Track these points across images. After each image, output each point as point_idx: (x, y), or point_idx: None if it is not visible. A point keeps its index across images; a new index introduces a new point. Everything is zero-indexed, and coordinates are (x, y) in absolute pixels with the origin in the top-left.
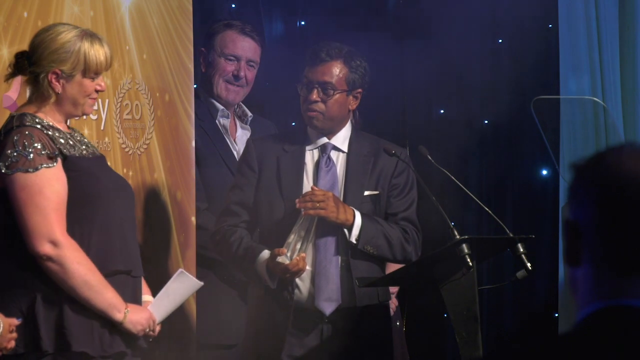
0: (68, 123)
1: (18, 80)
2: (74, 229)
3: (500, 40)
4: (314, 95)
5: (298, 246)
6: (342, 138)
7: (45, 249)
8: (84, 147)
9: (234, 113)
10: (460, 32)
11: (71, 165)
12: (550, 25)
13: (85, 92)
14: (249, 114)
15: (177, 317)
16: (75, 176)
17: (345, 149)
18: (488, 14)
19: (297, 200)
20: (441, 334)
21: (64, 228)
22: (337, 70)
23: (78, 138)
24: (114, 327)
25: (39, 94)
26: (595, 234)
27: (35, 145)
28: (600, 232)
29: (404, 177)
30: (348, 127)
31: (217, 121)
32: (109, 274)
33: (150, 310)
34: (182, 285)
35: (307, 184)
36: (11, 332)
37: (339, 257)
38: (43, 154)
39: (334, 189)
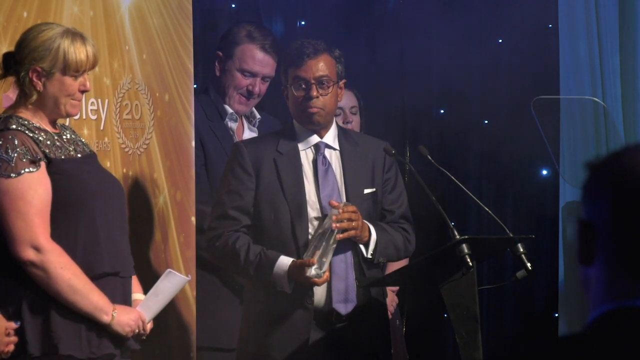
0: (61, 123)
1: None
2: (59, 232)
3: (500, 40)
4: (315, 92)
5: (326, 259)
6: (332, 135)
7: (29, 254)
8: (72, 147)
9: (242, 115)
10: (460, 32)
11: (55, 168)
12: (550, 25)
13: (67, 91)
14: (257, 116)
15: (176, 320)
16: (58, 179)
17: (336, 146)
18: (488, 14)
19: (333, 223)
20: (441, 334)
21: (47, 233)
22: (326, 63)
23: (67, 137)
24: (102, 328)
25: (23, 94)
26: (609, 234)
27: (18, 150)
28: (615, 232)
29: (393, 170)
30: (335, 123)
31: (224, 123)
32: (96, 276)
33: (139, 310)
34: (170, 284)
35: (308, 186)
36: (8, 335)
37: (352, 259)
38: (26, 159)
39: (335, 189)
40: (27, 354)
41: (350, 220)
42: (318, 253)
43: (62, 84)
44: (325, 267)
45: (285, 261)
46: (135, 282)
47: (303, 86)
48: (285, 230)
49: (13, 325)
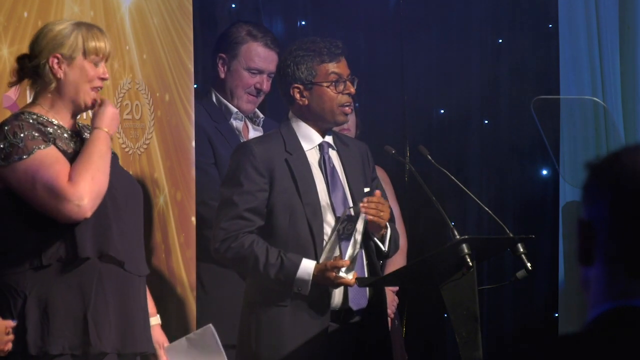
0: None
1: None
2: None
3: (500, 40)
4: (353, 88)
5: (354, 259)
6: (330, 135)
7: (72, 206)
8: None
9: (246, 115)
10: (460, 32)
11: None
12: (550, 25)
13: (87, 76)
14: (261, 115)
15: (177, 317)
16: None
17: (335, 146)
18: (488, 14)
19: (362, 205)
20: (441, 334)
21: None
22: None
23: (87, 136)
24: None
25: (41, 87)
26: (609, 234)
27: (26, 132)
28: (614, 232)
29: (375, 170)
30: None
31: (229, 123)
32: (103, 257)
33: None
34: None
35: (319, 186)
36: (7, 334)
37: (364, 259)
38: (36, 138)
39: (342, 188)
40: (27, 354)
41: (379, 209)
42: (349, 254)
43: (82, 69)
44: (354, 266)
45: (309, 264)
46: (151, 304)
47: (340, 83)
48: (303, 232)
49: (10, 323)
